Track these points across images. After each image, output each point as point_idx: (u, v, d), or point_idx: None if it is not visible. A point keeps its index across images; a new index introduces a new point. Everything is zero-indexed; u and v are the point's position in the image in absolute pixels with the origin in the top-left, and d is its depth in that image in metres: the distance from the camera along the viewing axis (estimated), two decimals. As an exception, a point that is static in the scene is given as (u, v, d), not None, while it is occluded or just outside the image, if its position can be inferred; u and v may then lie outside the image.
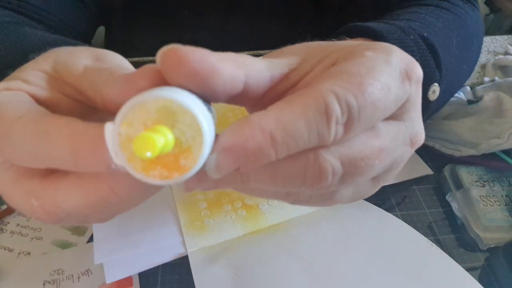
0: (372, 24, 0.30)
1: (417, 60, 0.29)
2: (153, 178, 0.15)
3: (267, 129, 0.15)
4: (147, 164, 0.15)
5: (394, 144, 0.19)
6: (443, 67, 0.31)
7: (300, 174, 0.17)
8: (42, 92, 0.21)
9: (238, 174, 0.17)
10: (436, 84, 0.30)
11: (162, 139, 0.14)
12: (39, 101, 0.20)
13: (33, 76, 0.21)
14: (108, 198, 0.18)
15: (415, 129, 0.20)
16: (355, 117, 0.16)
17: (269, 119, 0.16)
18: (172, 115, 0.15)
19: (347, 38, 0.29)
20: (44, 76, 0.21)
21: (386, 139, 0.19)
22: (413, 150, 0.21)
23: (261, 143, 0.15)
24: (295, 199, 0.21)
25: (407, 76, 0.18)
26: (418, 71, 0.19)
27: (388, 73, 0.18)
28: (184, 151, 0.15)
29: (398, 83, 0.18)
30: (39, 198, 0.18)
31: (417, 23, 0.33)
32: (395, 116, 0.19)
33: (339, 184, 0.18)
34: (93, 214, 0.19)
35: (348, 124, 0.16)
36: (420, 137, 0.21)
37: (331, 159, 0.17)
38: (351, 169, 0.18)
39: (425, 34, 0.31)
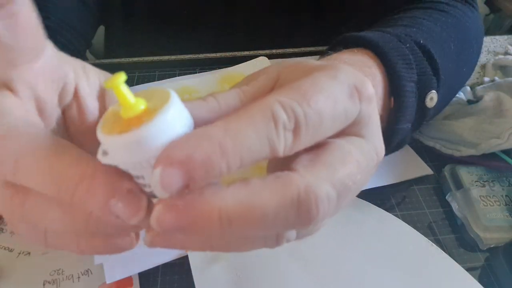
0: (368, 34, 0.30)
1: (413, 67, 0.29)
2: (113, 133, 0.15)
3: (215, 138, 0.15)
4: (114, 127, 0.16)
5: (365, 158, 0.19)
6: (441, 73, 0.31)
7: (293, 208, 0.16)
8: (91, 92, 0.22)
9: (215, 217, 0.15)
10: (433, 91, 0.30)
11: (129, 92, 0.15)
12: (82, 97, 0.22)
13: (92, 75, 0.23)
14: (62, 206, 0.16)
15: (376, 145, 0.20)
16: (302, 123, 0.16)
17: (217, 129, 0.15)
18: (153, 96, 0.17)
19: (343, 49, 0.30)
20: (99, 82, 0.23)
21: (357, 152, 0.19)
22: (376, 167, 0.21)
23: (210, 153, 0.14)
24: (285, 240, 0.19)
25: (356, 91, 0.19)
26: (369, 89, 0.19)
27: (333, 86, 0.18)
28: (149, 113, 0.16)
29: (346, 97, 0.18)
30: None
31: (414, 29, 0.33)
32: (353, 132, 0.20)
33: (334, 211, 0.17)
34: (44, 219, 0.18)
35: (297, 130, 0.16)
36: (381, 154, 0.21)
37: (323, 184, 0.16)
38: (342, 190, 0.17)
39: (421, 41, 0.31)
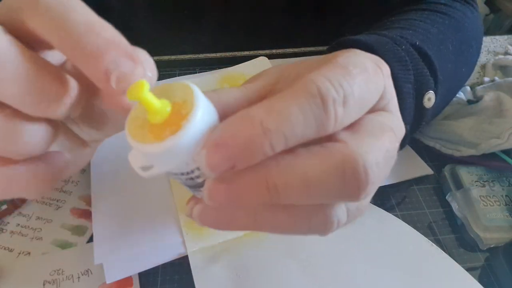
0: (363, 37, 0.30)
1: (409, 69, 0.29)
2: (150, 142, 0.15)
3: (257, 118, 0.15)
4: (147, 134, 0.16)
5: (396, 129, 0.19)
6: (439, 74, 0.31)
7: (340, 175, 0.16)
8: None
9: (263, 184, 0.15)
10: (431, 91, 0.30)
11: (153, 97, 0.15)
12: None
13: None
14: None
15: (400, 120, 0.21)
16: (351, 97, 0.16)
17: (258, 109, 0.15)
18: (172, 91, 0.16)
19: None
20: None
21: (389, 123, 0.19)
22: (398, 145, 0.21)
23: (252, 133, 0.15)
24: (336, 221, 0.18)
25: (378, 67, 0.19)
26: (386, 66, 0.20)
27: (362, 60, 0.18)
28: (177, 114, 0.16)
29: (373, 71, 0.18)
30: None
31: (410, 31, 0.34)
32: (380, 108, 0.20)
33: (382, 179, 0.17)
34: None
35: (345, 105, 0.16)
36: (403, 131, 0.21)
37: (370, 150, 0.16)
38: (387, 157, 0.17)
39: (417, 43, 0.31)
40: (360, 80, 0.17)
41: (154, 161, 0.16)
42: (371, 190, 0.17)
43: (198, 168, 0.17)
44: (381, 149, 0.17)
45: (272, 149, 0.15)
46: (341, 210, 0.18)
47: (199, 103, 0.16)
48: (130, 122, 0.16)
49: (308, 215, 0.18)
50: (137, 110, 0.17)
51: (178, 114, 0.16)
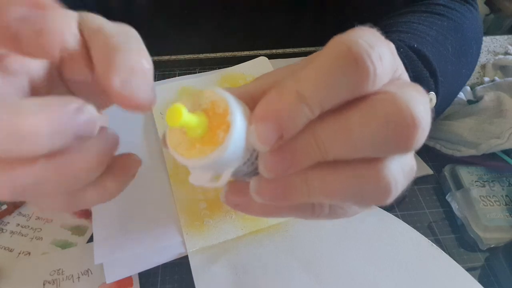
0: None
1: (408, 72, 0.29)
2: (208, 153, 0.16)
3: (292, 87, 0.16)
4: (193, 149, 0.16)
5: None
6: (439, 75, 0.31)
7: (381, 120, 0.15)
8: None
9: (312, 143, 0.16)
10: (432, 93, 0.30)
11: (191, 115, 0.15)
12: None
13: None
14: None
15: None
16: (383, 53, 0.16)
17: (291, 80, 0.16)
18: (199, 98, 0.17)
19: None
20: None
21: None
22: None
23: (289, 101, 0.15)
24: (393, 180, 0.17)
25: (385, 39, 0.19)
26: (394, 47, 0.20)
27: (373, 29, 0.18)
28: (216, 125, 0.16)
29: (385, 39, 0.18)
30: None
31: (409, 34, 0.34)
32: (398, 78, 0.20)
33: (428, 125, 0.17)
34: None
35: (383, 59, 0.16)
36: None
37: (412, 95, 0.16)
38: (426, 106, 0.17)
39: (415, 45, 0.31)
40: (385, 40, 0.17)
41: (222, 166, 0.17)
42: (421, 137, 0.16)
43: (254, 149, 0.17)
44: (419, 97, 0.16)
45: (311, 113, 0.16)
46: (395, 167, 0.17)
47: (228, 96, 0.16)
48: (175, 147, 0.17)
49: (359, 173, 0.17)
50: (173, 132, 0.17)
51: (216, 116, 0.16)
